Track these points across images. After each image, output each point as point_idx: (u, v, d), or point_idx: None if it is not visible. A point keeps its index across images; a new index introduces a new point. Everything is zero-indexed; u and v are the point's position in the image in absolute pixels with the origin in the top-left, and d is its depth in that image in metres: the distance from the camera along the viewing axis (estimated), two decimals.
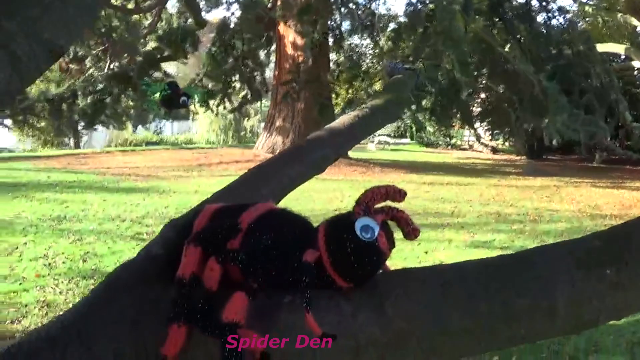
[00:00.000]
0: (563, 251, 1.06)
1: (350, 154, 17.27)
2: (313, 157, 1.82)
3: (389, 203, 1.07)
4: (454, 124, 23.27)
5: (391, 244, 1.02)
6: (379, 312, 0.97)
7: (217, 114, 17.32)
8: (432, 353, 1.00)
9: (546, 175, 16.25)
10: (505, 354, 4.08)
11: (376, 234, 0.97)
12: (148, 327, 1.02)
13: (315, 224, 1.08)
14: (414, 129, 28.71)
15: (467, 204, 10.23)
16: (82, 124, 12.12)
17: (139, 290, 1.08)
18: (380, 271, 1.05)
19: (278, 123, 15.70)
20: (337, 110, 17.17)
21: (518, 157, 22.26)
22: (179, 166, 13.73)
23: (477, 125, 23.13)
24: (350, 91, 16.51)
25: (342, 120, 2.09)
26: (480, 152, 24.42)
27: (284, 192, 1.68)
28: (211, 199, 1.41)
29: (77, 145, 22.21)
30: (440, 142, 27.26)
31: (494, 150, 24.54)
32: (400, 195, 1.03)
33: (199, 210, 1.15)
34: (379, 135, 27.50)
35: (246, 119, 26.29)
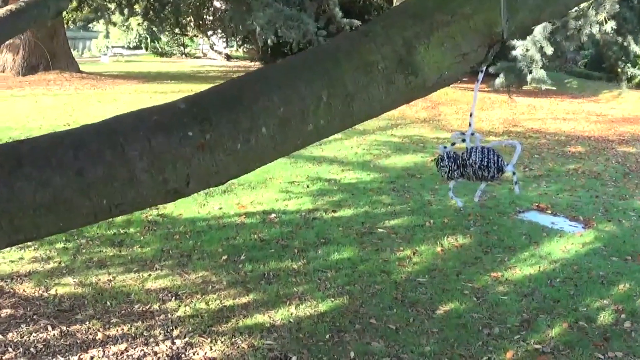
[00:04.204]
0: (144, 116, 1.02)
1: (83, 67, 16.52)
2: None
3: None
4: (187, 33, 23.21)
5: None
6: None
7: None
8: (14, 232, 0.95)
9: None
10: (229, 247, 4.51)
11: None
12: None
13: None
14: (148, 39, 27.96)
15: None
16: None
17: None
18: None
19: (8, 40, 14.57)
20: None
21: (252, 63, 23.00)
22: None
23: (210, 32, 23.38)
24: None
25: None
26: (214, 59, 24.80)
27: None
28: None
29: None
30: (175, 52, 27.02)
31: (228, 57, 25.12)
32: None
33: None
34: (113, 47, 26.27)
35: None
